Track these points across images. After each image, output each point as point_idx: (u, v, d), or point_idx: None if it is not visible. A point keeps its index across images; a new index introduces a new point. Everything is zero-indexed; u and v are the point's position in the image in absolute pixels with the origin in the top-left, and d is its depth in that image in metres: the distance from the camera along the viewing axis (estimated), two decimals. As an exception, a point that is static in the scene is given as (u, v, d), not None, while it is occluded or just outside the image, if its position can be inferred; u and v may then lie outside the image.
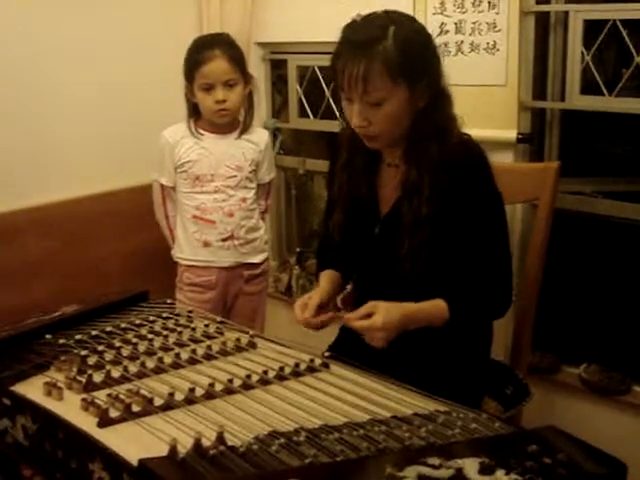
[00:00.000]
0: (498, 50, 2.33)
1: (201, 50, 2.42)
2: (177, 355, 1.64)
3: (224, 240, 2.54)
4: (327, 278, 1.99)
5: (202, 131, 2.52)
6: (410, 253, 1.74)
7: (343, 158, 1.91)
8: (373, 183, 1.88)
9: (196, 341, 1.74)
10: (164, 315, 1.88)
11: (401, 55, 1.65)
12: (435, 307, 1.74)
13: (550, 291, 2.27)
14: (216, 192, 2.51)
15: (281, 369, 1.58)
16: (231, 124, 2.54)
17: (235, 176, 2.52)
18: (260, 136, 2.62)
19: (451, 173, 1.72)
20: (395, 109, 1.70)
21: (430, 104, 1.74)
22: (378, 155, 1.88)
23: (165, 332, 1.77)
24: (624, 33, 2.19)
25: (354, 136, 1.82)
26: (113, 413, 1.39)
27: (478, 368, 1.93)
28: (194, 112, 2.52)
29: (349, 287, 2.97)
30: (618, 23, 2.19)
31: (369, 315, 1.67)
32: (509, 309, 1.85)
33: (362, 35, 1.67)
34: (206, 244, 2.54)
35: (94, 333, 1.74)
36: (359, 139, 1.81)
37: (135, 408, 1.40)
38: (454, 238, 1.75)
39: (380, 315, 1.65)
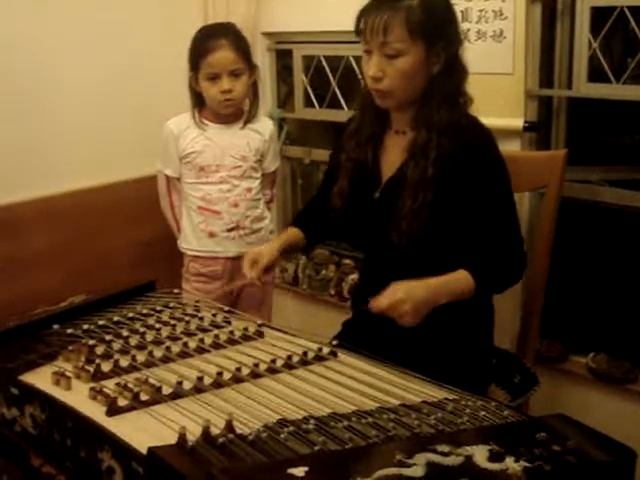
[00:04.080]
0: (505, 38, 2.31)
1: (207, 39, 2.41)
2: (185, 344, 1.65)
3: (230, 230, 2.54)
4: (286, 235, 2.07)
5: (206, 121, 2.52)
6: (410, 212, 1.76)
7: (352, 127, 1.96)
8: (378, 149, 1.93)
9: (204, 330, 1.75)
10: (171, 305, 1.88)
11: (423, 15, 1.73)
12: (459, 277, 1.73)
13: (557, 280, 2.27)
14: (221, 182, 2.51)
15: (289, 358, 1.59)
16: (236, 114, 2.53)
17: (240, 166, 2.52)
18: (265, 126, 2.61)
19: (458, 137, 1.76)
20: (410, 65, 1.75)
21: (444, 71, 1.79)
22: (386, 122, 1.92)
23: (173, 321, 1.77)
24: (631, 20, 2.18)
25: (365, 103, 1.90)
26: (122, 402, 1.39)
27: (481, 354, 1.94)
28: (198, 102, 2.52)
29: (355, 277, 2.98)
30: (625, 10, 2.17)
31: None
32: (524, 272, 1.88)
33: None
34: (212, 234, 2.54)
35: (102, 323, 1.75)
36: (370, 106, 1.87)
37: (144, 397, 1.41)
38: (458, 203, 1.77)
39: (401, 290, 1.64)
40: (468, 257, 1.77)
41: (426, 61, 1.77)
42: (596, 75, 2.28)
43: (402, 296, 1.63)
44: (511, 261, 1.82)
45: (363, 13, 1.78)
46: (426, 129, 1.78)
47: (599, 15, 2.24)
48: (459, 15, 2.34)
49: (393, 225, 1.79)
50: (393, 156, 1.89)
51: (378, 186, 1.90)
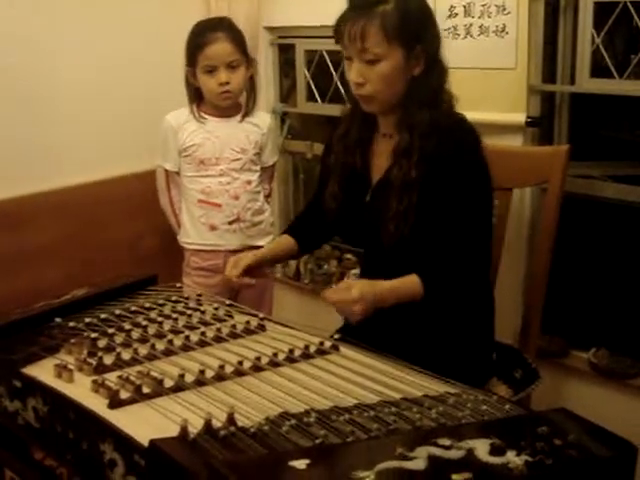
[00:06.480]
0: (507, 33, 2.30)
1: (204, 33, 2.43)
2: (187, 337, 1.65)
3: (230, 223, 2.54)
4: (276, 243, 2.15)
5: (205, 115, 2.53)
6: (397, 215, 1.77)
7: (341, 130, 1.97)
8: (367, 153, 1.94)
9: (206, 324, 1.75)
10: (173, 298, 1.88)
11: (399, 19, 1.73)
12: (408, 282, 1.76)
13: (559, 275, 2.27)
14: (221, 175, 2.52)
15: (291, 351, 1.59)
16: (234, 107, 2.54)
17: (240, 159, 2.53)
18: (263, 119, 2.62)
19: (440, 139, 1.76)
20: (390, 70, 1.76)
21: (425, 72, 1.80)
22: (373, 126, 1.93)
23: (175, 315, 1.77)
24: (635, 15, 2.17)
25: (354, 107, 1.91)
26: (123, 394, 1.39)
27: (481, 349, 1.94)
28: (196, 97, 2.53)
29: (357, 272, 2.99)
30: (629, 5, 2.17)
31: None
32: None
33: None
34: (212, 228, 2.54)
35: (104, 316, 1.74)
36: (358, 110, 1.89)
37: (145, 389, 1.41)
38: (436, 206, 1.77)
39: (356, 289, 1.67)
40: (422, 260, 1.78)
41: (406, 64, 1.77)
42: (599, 71, 2.28)
43: (356, 296, 1.66)
44: (467, 273, 1.81)
45: (340, 21, 1.79)
46: (409, 131, 1.79)
47: (602, 10, 2.23)
48: (462, 10, 2.37)
49: (382, 227, 1.80)
50: (381, 160, 1.89)
51: (368, 189, 1.90)
